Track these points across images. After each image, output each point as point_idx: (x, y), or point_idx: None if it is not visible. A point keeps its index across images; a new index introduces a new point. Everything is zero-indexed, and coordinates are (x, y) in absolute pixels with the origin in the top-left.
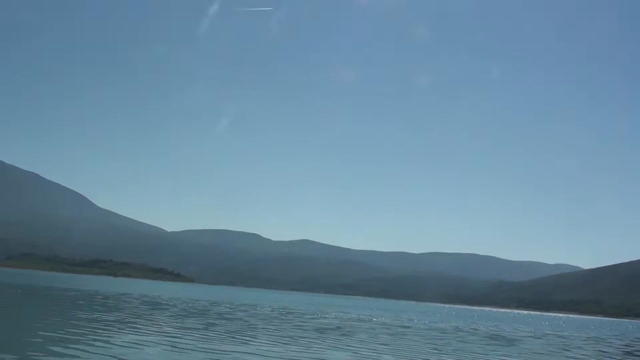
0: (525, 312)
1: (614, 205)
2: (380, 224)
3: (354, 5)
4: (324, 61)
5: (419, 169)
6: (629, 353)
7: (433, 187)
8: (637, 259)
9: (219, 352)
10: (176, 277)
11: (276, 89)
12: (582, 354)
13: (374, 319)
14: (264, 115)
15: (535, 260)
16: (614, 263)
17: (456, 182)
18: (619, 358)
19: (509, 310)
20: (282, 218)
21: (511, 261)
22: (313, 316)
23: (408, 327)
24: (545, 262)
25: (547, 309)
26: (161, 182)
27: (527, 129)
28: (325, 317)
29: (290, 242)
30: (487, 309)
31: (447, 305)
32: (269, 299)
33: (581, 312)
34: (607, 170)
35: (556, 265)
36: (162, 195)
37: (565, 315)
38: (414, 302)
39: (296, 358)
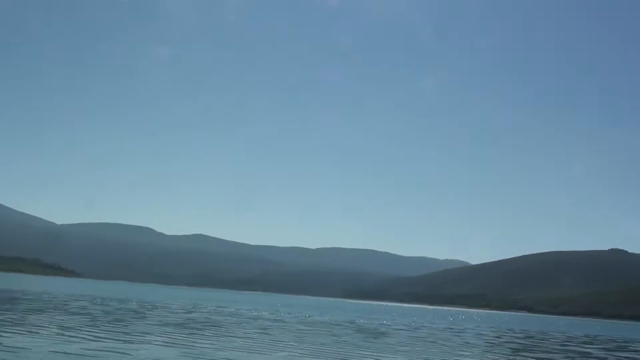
0: (419, 305)
1: (499, 204)
2: (278, 219)
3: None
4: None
5: (315, 165)
6: (493, 344)
7: (330, 183)
8: (520, 255)
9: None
10: (69, 272)
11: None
12: (446, 344)
13: (251, 313)
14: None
15: (427, 256)
16: (499, 259)
17: (354, 179)
18: (480, 349)
19: (404, 305)
20: (176, 212)
21: (406, 257)
22: (183, 311)
23: (279, 320)
24: (436, 257)
25: (437, 303)
26: (51, 172)
27: (422, 128)
28: (195, 312)
29: (185, 236)
30: (385, 303)
31: (346, 300)
32: (151, 293)
33: (468, 306)
34: (493, 171)
35: (446, 260)
36: (52, 187)
37: (454, 308)
38: (312, 297)
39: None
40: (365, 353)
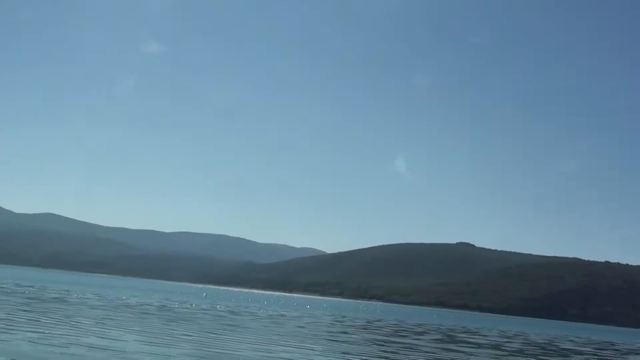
0: (270, 292)
1: (355, 195)
2: (130, 200)
3: None
4: None
5: (170, 146)
6: (302, 327)
7: (183, 165)
8: (373, 245)
9: None
10: None
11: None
12: (255, 329)
13: (74, 296)
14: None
15: (283, 243)
16: (354, 248)
17: (207, 162)
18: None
19: (254, 291)
20: (25, 189)
21: (260, 243)
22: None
23: (99, 303)
24: (292, 245)
25: (291, 290)
26: None
27: (284, 111)
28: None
29: (34, 215)
30: (235, 289)
31: (196, 285)
32: None
33: (322, 294)
34: (350, 161)
35: (302, 248)
36: None
37: (308, 296)
38: (162, 281)
39: None
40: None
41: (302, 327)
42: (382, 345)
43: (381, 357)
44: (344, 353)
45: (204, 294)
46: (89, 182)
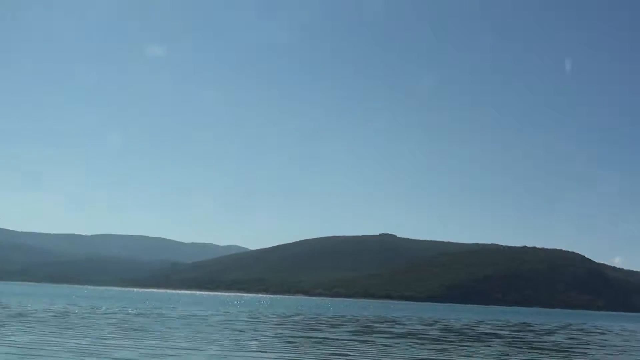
0: (195, 292)
1: (277, 191)
2: (48, 203)
3: None
4: None
5: (92, 147)
6: (211, 326)
7: (102, 166)
8: (297, 240)
9: None
10: None
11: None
12: (155, 331)
13: None
14: None
15: (208, 242)
16: (277, 244)
17: (127, 162)
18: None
19: (179, 291)
20: None
21: (185, 243)
22: None
23: None
24: (216, 243)
25: (217, 289)
26: None
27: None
28: None
29: None
30: (161, 290)
31: (121, 288)
32: None
33: (247, 291)
34: (274, 159)
35: (226, 246)
36: None
37: (231, 294)
38: (87, 287)
39: None
40: None
41: (211, 326)
42: (291, 341)
43: (282, 356)
44: (239, 351)
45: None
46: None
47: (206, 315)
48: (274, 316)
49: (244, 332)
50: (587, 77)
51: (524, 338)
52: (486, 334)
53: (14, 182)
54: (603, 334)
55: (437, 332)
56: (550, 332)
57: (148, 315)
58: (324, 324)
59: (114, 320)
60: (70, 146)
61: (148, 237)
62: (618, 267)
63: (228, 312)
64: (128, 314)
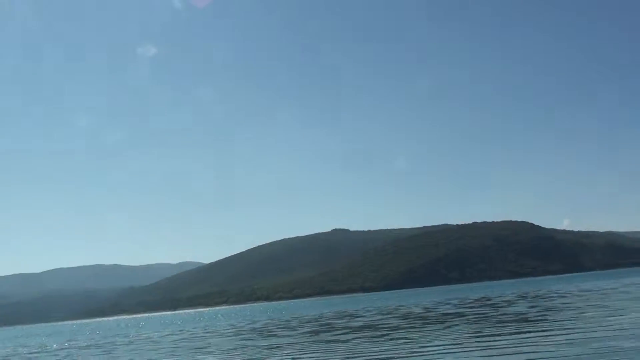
0: (154, 314)
1: (221, 200)
2: None
3: None
4: None
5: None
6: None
7: (40, 198)
8: (251, 247)
9: None
10: None
11: None
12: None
13: None
14: None
15: (160, 262)
16: (232, 254)
17: (58, 188)
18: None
19: (137, 315)
20: None
21: (137, 266)
22: None
23: None
24: (169, 262)
25: (176, 307)
26: None
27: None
28: None
29: None
30: (119, 317)
31: (78, 321)
32: None
33: (207, 305)
34: (210, 168)
35: (180, 263)
36: None
37: (191, 310)
38: (42, 324)
39: None
40: None
41: (160, 346)
42: (241, 352)
43: None
44: None
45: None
46: None
47: (163, 336)
48: (228, 327)
49: (198, 348)
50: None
51: (488, 313)
52: (448, 314)
53: None
54: (563, 297)
55: (396, 321)
56: (511, 303)
57: (98, 346)
58: (282, 327)
59: (60, 356)
60: None
61: (101, 265)
62: (568, 229)
63: (183, 329)
64: (73, 348)
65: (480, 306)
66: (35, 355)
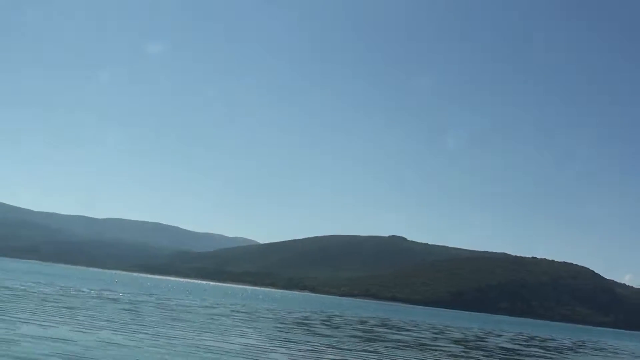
0: (203, 281)
1: (289, 187)
2: (62, 184)
3: None
4: None
5: (103, 132)
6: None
7: (118, 151)
8: (306, 237)
9: None
10: None
11: None
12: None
13: None
14: None
15: (217, 232)
16: (286, 239)
17: (143, 149)
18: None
19: (187, 280)
20: None
21: (194, 232)
22: None
23: None
24: (225, 234)
25: (224, 280)
26: None
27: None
28: None
29: None
30: (170, 278)
31: (127, 273)
32: None
33: (254, 284)
34: (286, 157)
35: (235, 238)
36: None
37: (238, 285)
38: (91, 269)
39: None
40: None
41: (189, 313)
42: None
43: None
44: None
45: (115, 280)
46: (21, 166)
47: (203, 306)
48: (269, 313)
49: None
50: (601, 77)
51: (553, 358)
52: (507, 349)
53: (31, 164)
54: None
55: (453, 346)
56: (572, 349)
57: (138, 302)
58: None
59: (94, 303)
60: (87, 132)
61: (162, 224)
62: (628, 284)
63: (221, 303)
64: (109, 299)
65: (545, 348)
66: (73, 296)
